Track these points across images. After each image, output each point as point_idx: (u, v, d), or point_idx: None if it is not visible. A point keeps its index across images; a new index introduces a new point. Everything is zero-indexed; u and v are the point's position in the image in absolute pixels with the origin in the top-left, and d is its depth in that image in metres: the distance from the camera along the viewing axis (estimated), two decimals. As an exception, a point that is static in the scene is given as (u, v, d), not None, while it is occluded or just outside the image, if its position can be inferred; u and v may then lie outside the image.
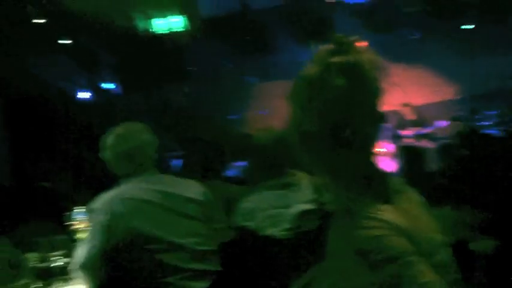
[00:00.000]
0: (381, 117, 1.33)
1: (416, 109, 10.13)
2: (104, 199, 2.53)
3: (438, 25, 9.89)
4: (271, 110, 10.33)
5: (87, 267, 2.43)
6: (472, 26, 10.21)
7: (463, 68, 11.83)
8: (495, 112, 9.88)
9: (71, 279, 2.68)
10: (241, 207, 2.80)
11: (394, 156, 9.48)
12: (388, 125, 9.69)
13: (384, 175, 1.38)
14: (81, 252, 2.48)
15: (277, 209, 2.72)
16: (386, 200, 1.31)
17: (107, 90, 8.43)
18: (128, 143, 2.62)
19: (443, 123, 9.87)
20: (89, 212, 2.57)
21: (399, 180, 1.44)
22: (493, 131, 8.43)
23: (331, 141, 1.26)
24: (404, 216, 1.30)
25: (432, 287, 1.20)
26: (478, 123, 9.76)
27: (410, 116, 9.98)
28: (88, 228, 2.62)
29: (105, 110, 7.84)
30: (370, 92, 1.28)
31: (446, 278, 1.29)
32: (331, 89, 1.23)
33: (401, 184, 1.44)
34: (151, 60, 8.04)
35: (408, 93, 11.46)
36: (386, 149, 9.51)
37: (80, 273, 2.46)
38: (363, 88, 1.26)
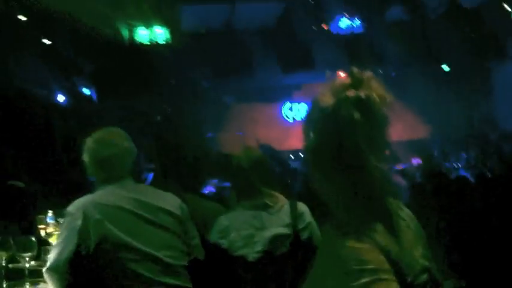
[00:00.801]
0: (387, 147, 1.43)
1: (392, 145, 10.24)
2: (78, 203, 2.45)
3: (418, 64, 10.10)
4: (247, 131, 10.34)
5: (56, 270, 2.35)
6: (448, 69, 10.47)
7: (438, 109, 12.12)
8: (464, 155, 10.08)
9: (39, 281, 2.59)
10: (217, 224, 2.76)
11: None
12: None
13: (382, 197, 1.46)
14: (51, 255, 2.40)
15: (252, 229, 2.68)
16: (381, 221, 1.40)
17: (83, 95, 8.28)
18: (109, 149, 2.56)
19: (416, 161, 10.03)
20: (63, 215, 2.49)
21: (397, 203, 1.53)
22: (462, 173, 8.56)
23: (340, 166, 1.36)
24: (394, 238, 1.40)
25: None
26: (447, 164, 9.94)
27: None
28: (59, 231, 2.53)
29: (80, 115, 7.70)
30: (381, 125, 1.38)
31: None
32: (346, 121, 1.33)
33: (399, 206, 1.53)
34: (130, 69, 7.96)
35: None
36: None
37: (48, 276, 2.37)
38: (374, 122, 1.36)
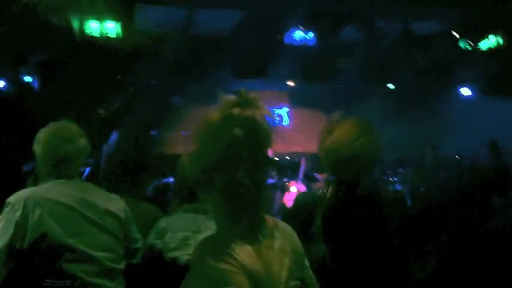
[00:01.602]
0: (269, 163, 1.54)
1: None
2: (20, 195, 2.37)
3: (367, 82, 10.36)
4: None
5: None
6: (393, 87, 10.80)
7: (383, 127, 12.41)
8: (401, 170, 10.42)
9: None
10: (155, 226, 2.75)
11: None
12: (304, 166, 9.93)
13: (261, 217, 1.57)
14: None
15: (187, 232, 2.68)
16: (251, 238, 1.51)
17: (25, 83, 7.98)
18: (67, 146, 2.49)
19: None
20: (4, 205, 2.39)
21: (273, 220, 1.65)
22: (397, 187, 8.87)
23: (216, 179, 1.47)
24: (264, 257, 1.50)
25: None
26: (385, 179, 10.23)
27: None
28: None
29: (20, 102, 7.42)
30: (262, 142, 1.50)
31: None
32: (228, 136, 1.46)
33: (275, 223, 1.64)
34: (78, 62, 7.76)
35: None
36: (298, 189, 9.73)
37: None
38: (255, 138, 1.48)
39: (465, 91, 11.40)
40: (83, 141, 2.55)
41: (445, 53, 8.93)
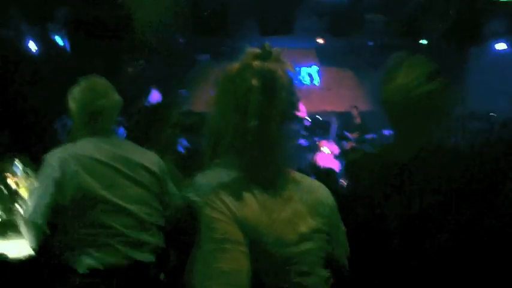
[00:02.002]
0: (291, 117, 1.54)
1: (363, 114, 10.36)
2: (57, 153, 2.43)
3: (396, 37, 10.11)
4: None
5: (34, 222, 2.32)
6: (426, 42, 10.53)
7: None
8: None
9: (9, 232, 2.56)
10: (193, 182, 2.75)
11: (338, 156, 9.69)
12: (335, 125, 9.86)
13: (279, 171, 1.58)
14: (28, 207, 2.37)
15: None
16: (267, 189, 1.51)
17: (57, 44, 8.02)
18: (102, 100, 2.52)
19: (388, 132, 10.17)
20: (28, 164, 2.45)
21: (307, 179, 1.67)
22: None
23: (241, 131, 1.48)
24: (270, 209, 1.48)
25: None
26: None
27: (357, 119, 10.20)
28: (28, 182, 2.50)
29: (53, 64, 7.48)
30: (280, 95, 1.48)
31: (296, 269, 1.48)
32: (245, 85, 1.47)
33: (300, 177, 1.65)
34: (107, 24, 7.75)
35: (358, 97, 11.76)
36: (330, 149, 9.69)
37: (25, 228, 2.34)
38: (273, 90, 1.47)
39: (500, 46, 11.04)
40: (115, 95, 2.59)
41: (476, 4, 8.62)
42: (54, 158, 2.40)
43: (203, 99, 9.11)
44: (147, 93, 8.54)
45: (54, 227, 2.35)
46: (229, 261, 1.39)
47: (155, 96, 8.37)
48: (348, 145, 9.44)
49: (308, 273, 1.52)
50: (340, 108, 11.26)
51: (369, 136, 10.10)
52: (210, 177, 2.73)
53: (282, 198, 1.54)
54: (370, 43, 11.18)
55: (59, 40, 7.94)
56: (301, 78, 12.08)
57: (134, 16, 7.55)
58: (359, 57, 11.61)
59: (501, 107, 9.85)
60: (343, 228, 1.74)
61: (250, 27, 9.14)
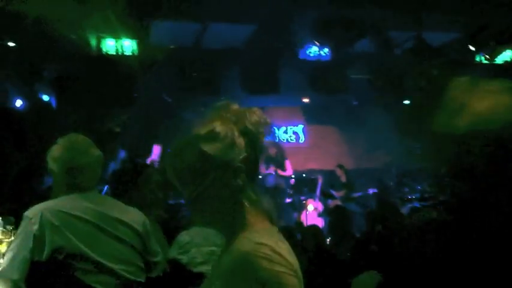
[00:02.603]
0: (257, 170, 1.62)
1: (348, 172, 10.39)
2: (37, 208, 2.37)
3: (380, 96, 10.30)
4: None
5: (10, 277, 2.22)
6: (409, 102, 10.73)
7: (396, 142, 12.41)
8: (419, 187, 10.29)
9: None
10: (177, 240, 2.70)
11: (321, 214, 9.64)
12: (321, 183, 9.85)
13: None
14: (4, 261, 2.29)
15: (213, 246, 2.63)
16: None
17: (42, 102, 8.04)
18: (83, 157, 2.47)
19: (372, 190, 10.20)
20: (10, 222, 2.37)
21: None
22: (416, 204, 8.70)
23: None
24: None
25: None
26: (403, 196, 10.13)
27: (342, 178, 10.22)
28: (7, 238, 2.41)
29: (37, 121, 7.46)
30: (257, 150, 1.57)
31: None
32: (234, 145, 1.54)
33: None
34: (94, 79, 7.81)
35: (344, 154, 11.84)
36: (314, 206, 9.64)
37: (1, 283, 2.24)
38: (254, 147, 1.56)
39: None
40: (96, 152, 2.54)
41: (459, 65, 8.87)
42: (33, 213, 2.33)
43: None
44: (130, 148, 8.52)
45: (31, 285, 2.25)
46: None
47: (156, 151, 8.36)
48: (332, 203, 9.41)
49: None
50: (326, 166, 11.30)
51: (355, 194, 10.10)
52: (195, 235, 2.70)
53: None
54: (355, 102, 11.37)
55: (45, 97, 7.98)
56: (288, 137, 12.20)
57: (119, 72, 7.63)
58: (344, 114, 11.78)
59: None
60: None
61: (237, 86, 9.26)
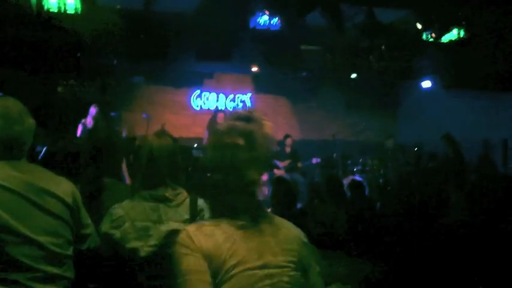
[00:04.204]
0: (267, 166, 1.88)
1: (294, 143, 10.48)
2: None
3: (330, 69, 10.36)
4: (153, 114, 10.09)
5: None
6: (356, 75, 10.86)
7: (344, 114, 12.61)
8: (361, 160, 10.52)
9: None
10: (110, 213, 2.60)
11: (265, 184, 9.71)
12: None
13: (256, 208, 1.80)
14: None
15: (148, 222, 2.56)
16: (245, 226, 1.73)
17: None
18: (16, 126, 2.33)
19: (315, 160, 10.34)
20: None
21: (276, 217, 1.88)
22: (357, 178, 8.91)
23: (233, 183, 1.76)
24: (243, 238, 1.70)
25: None
26: (347, 168, 10.35)
27: (288, 148, 10.30)
28: None
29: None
30: (259, 150, 1.77)
31: None
32: (233, 145, 1.76)
33: (277, 218, 1.87)
34: (35, 40, 7.46)
35: (291, 126, 11.92)
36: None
37: None
38: (255, 147, 1.76)
39: (426, 83, 11.59)
40: (30, 121, 2.41)
41: (407, 43, 9.02)
42: None
43: (136, 122, 8.95)
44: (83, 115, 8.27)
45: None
46: None
47: (92, 112, 8.11)
48: (277, 173, 9.50)
49: None
50: (274, 136, 11.35)
51: (298, 164, 10.23)
52: (130, 209, 2.62)
53: (252, 232, 1.73)
54: (304, 73, 11.42)
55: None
56: (235, 105, 12.13)
57: (70, 38, 7.32)
58: (294, 86, 11.82)
59: (427, 139, 10.32)
60: (317, 269, 1.83)
61: (188, 52, 9.10)
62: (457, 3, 7.76)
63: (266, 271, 1.66)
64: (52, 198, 2.35)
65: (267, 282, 1.65)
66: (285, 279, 1.69)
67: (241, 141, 1.75)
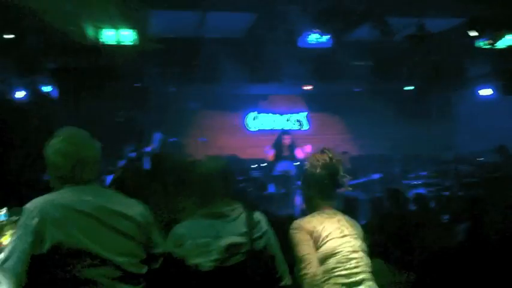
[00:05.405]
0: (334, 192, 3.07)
1: (352, 159, 10.37)
2: (37, 201, 2.34)
3: (381, 83, 10.25)
4: (210, 138, 10.29)
5: (9, 270, 2.22)
6: (413, 87, 10.67)
7: (398, 128, 12.38)
8: (425, 173, 10.27)
9: None
10: (172, 233, 2.70)
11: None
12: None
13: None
14: (4, 254, 2.27)
15: (207, 238, 2.65)
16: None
17: (43, 93, 8.05)
18: (86, 151, 2.48)
19: (376, 176, 10.16)
20: (19, 213, 2.37)
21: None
22: (420, 191, 8.69)
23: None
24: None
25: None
26: (407, 182, 10.12)
27: (346, 164, 10.20)
28: (12, 230, 2.41)
29: (39, 112, 7.48)
30: (335, 178, 3.00)
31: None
32: (317, 174, 2.98)
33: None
34: (94, 70, 7.80)
35: (346, 142, 11.84)
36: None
37: (1, 274, 2.23)
38: (330, 175, 2.98)
39: (485, 91, 11.22)
40: (97, 144, 2.55)
41: (460, 51, 8.81)
42: (33, 207, 2.32)
43: (193, 146, 9.06)
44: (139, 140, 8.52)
45: (31, 279, 2.25)
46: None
47: (156, 138, 8.37)
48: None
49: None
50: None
51: (359, 181, 10.09)
52: (191, 228, 2.71)
53: (334, 219, 2.94)
54: (356, 89, 11.34)
55: (46, 89, 7.99)
56: (291, 125, 12.21)
57: (122, 65, 7.60)
58: (347, 102, 11.77)
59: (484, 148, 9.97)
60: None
61: (239, 76, 9.25)
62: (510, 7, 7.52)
63: (345, 239, 2.84)
64: (125, 220, 2.45)
65: (346, 244, 2.82)
66: (355, 243, 2.86)
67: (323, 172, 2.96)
